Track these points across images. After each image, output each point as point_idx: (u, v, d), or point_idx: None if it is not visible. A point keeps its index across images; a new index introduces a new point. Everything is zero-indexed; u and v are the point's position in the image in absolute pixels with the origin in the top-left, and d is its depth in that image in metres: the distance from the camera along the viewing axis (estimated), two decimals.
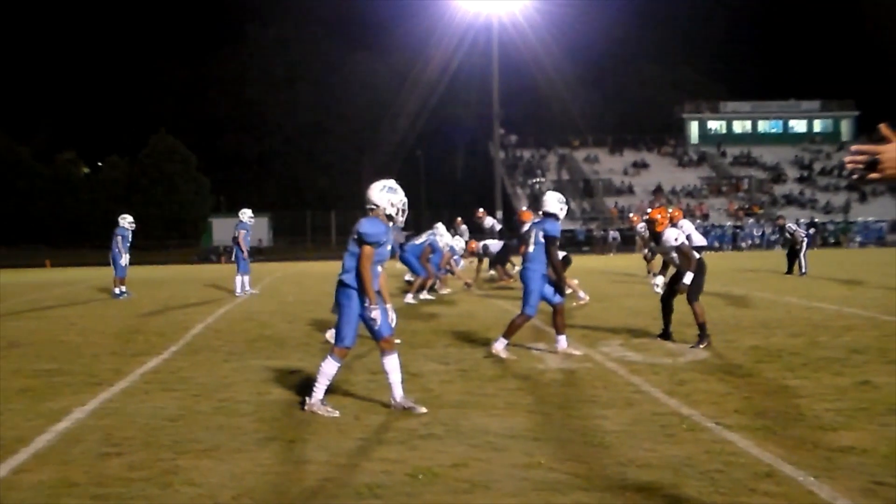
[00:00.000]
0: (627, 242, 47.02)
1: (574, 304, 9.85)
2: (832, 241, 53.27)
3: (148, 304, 16.91)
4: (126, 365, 8.77)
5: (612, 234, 49.41)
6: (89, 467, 4.97)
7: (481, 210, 23.72)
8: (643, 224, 23.46)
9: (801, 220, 36.39)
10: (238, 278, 18.60)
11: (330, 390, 6.49)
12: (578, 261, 25.12)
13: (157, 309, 15.85)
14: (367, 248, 6.20)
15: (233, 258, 19.08)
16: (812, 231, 52.70)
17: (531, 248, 9.01)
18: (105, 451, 5.34)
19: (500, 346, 8.88)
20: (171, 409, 6.59)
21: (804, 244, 22.66)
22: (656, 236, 9.86)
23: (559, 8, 61.97)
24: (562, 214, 9.19)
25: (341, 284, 6.37)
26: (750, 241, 52.94)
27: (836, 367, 7.83)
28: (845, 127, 74.15)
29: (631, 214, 36.48)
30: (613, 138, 70.18)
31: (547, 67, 64.93)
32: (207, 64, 76.02)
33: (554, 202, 9.23)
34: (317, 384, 6.35)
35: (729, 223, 55.52)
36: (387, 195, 6.38)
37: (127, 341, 10.91)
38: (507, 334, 8.94)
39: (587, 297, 14.78)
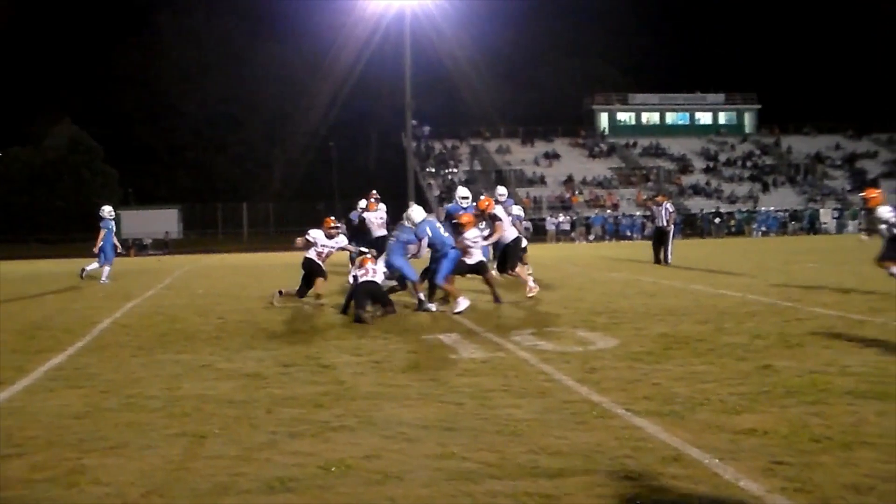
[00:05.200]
0: (538, 232, 47.65)
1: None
2: (735, 230, 54.69)
3: (53, 299, 16.44)
4: (29, 362, 8.49)
5: (525, 224, 49.72)
6: None
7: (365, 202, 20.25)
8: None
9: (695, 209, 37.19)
10: (106, 268, 20.26)
11: (242, 385, 6.40)
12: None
13: (62, 304, 15.41)
14: None
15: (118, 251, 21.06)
16: (719, 220, 54.32)
17: None
18: (6, 452, 5.16)
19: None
20: (76, 406, 6.41)
21: (671, 232, 23.20)
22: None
23: (471, 0, 62.27)
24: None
25: None
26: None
27: (740, 353, 8.06)
28: (748, 119, 76.24)
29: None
30: (525, 129, 70.54)
31: (459, 59, 65.13)
32: (115, 54, 73.96)
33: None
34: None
35: (638, 213, 56.54)
36: None
37: (30, 338, 10.57)
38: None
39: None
